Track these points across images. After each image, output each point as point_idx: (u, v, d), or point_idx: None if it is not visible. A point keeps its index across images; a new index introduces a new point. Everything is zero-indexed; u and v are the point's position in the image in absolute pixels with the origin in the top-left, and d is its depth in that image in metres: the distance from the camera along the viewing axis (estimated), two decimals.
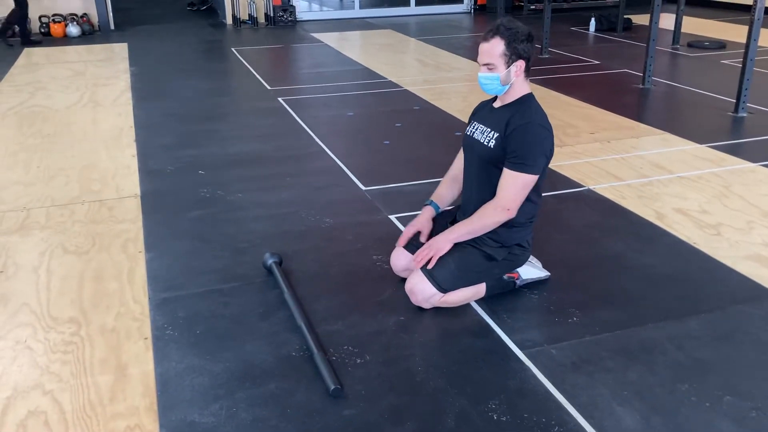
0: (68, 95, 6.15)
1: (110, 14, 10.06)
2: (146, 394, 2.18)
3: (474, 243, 2.60)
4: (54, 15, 9.49)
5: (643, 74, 6.19)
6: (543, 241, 3.13)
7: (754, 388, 2.16)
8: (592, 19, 9.47)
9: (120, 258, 3.09)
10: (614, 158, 4.28)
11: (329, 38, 9.31)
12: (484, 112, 2.70)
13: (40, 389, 2.20)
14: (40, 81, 6.74)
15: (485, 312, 2.62)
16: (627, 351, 2.36)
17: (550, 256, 2.95)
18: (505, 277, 2.70)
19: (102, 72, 7.19)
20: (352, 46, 8.90)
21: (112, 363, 2.33)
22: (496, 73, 2.49)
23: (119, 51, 8.41)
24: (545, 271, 2.82)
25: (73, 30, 9.43)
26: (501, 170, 2.53)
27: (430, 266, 2.54)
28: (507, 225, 2.60)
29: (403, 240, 2.81)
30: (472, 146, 2.67)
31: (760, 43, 5.19)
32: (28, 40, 8.83)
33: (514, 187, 2.49)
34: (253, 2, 10.51)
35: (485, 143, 2.58)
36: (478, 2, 11.82)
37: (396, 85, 6.41)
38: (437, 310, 2.61)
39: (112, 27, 10.06)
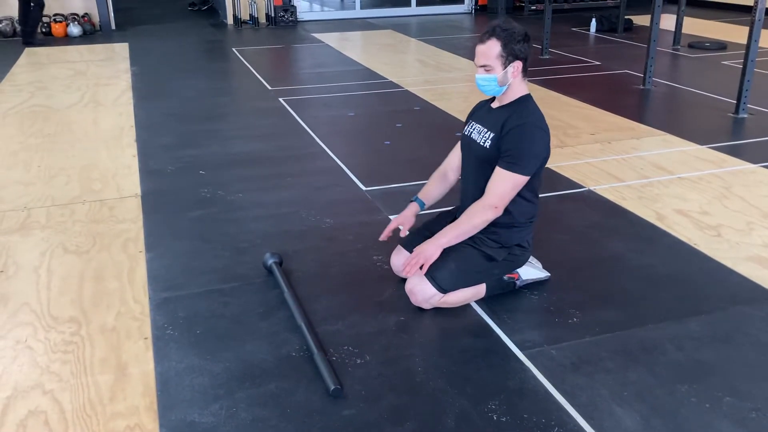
0: (69, 95, 6.15)
1: (111, 14, 10.06)
2: (146, 393, 2.18)
3: (474, 243, 2.60)
4: (55, 15, 9.50)
5: (643, 75, 6.19)
6: (543, 241, 3.13)
7: (754, 389, 2.16)
8: (593, 20, 9.47)
9: (120, 258, 3.09)
10: (615, 159, 4.28)
11: (330, 38, 9.31)
12: (482, 112, 2.70)
13: (40, 389, 2.20)
14: (42, 80, 6.75)
15: (485, 312, 2.62)
16: (627, 352, 2.36)
17: (551, 256, 2.95)
18: (506, 277, 2.70)
19: (103, 72, 7.19)
20: (352, 46, 8.90)
21: (112, 362, 2.33)
22: (494, 75, 2.49)
23: (120, 51, 8.42)
24: (545, 271, 2.82)
25: (75, 30, 9.44)
26: None
27: (422, 273, 2.53)
28: (507, 226, 2.60)
29: (385, 234, 2.81)
30: (469, 146, 2.68)
31: (760, 44, 5.20)
32: (29, 40, 8.84)
33: (503, 186, 2.49)
34: (254, 2, 10.52)
35: (481, 143, 2.58)
36: (479, 3, 11.82)
37: (397, 86, 6.41)
38: (437, 311, 2.61)
39: (113, 27, 10.07)
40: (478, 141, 2.61)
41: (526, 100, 2.57)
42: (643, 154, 4.36)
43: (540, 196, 3.67)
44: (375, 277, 2.89)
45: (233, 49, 8.56)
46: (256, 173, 4.17)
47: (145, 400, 2.15)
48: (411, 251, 2.72)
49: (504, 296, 2.70)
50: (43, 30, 9.47)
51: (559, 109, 5.45)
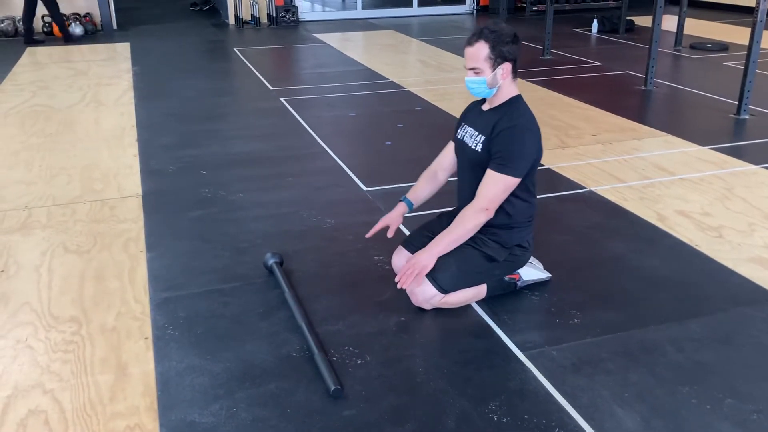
0: (71, 94, 6.16)
1: (113, 14, 10.07)
2: (146, 393, 2.18)
3: (475, 244, 2.60)
4: None
5: (645, 76, 6.18)
6: (544, 242, 3.13)
7: (755, 391, 2.16)
8: (595, 21, 9.47)
9: (121, 257, 3.09)
10: (616, 160, 4.27)
11: (331, 39, 9.31)
12: (473, 114, 2.70)
13: (41, 388, 2.20)
14: (43, 80, 6.75)
15: (486, 313, 2.62)
16: (628, 353, 2.36)
17: (552, 257, 2.95)
18: (507, 278, 2.70)
19: (104, 71, 7.19)
20: (354, 46, 8.90)
21: (112, 362, 2.33)
22: (483, 77, 2.48)
23: (122, 50, 8.42)
24: (546, 272, 2.82)
25: (76, 29, 9.44)
26: None
27: (417, 285, 2.51)
28: (506, 226, 2.60)
29: (371, 232, 2.81)
30: (462, 149, 2.68)
31: (762, 45, 5.19)
32: (31, 39, 8.85)
33: (494, 188, 2.48)
34: (256, 2, 10.52)
35: (473, 147, 2.58)
36: (481, 3, 11.82)
37: (398, 86, 6.41)
38: (438, 311, 2.61)
39: (115, 27, 10.07)
40: (470, 145, 2.61)
41: (516, 102, 2.55)
42: (644, 155, 4.36)
43: (541, 196, 3.71)
44: (375, 278, 2.89)
45: (235, 49, 8.56)
46: (256, 173, 4.17)
47: (146, 400, 2.15)
48: (412, 251, 2.72)
49: (505, 297, 2.70)
50: (45, 30, 9.48)
51: (560, 110, 5.44)
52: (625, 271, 2.93)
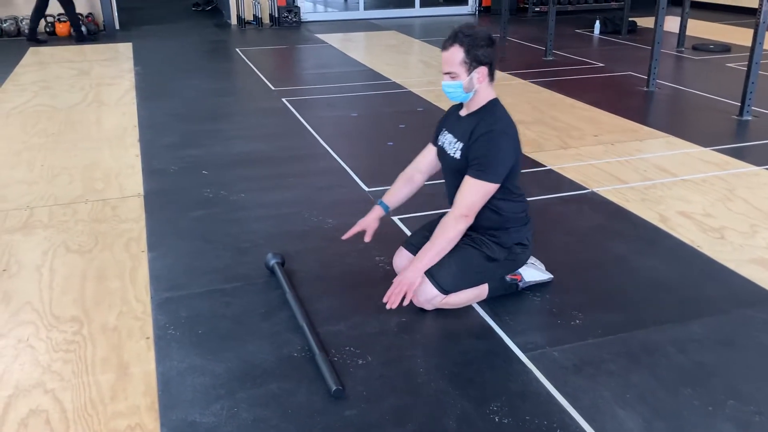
0: (73, 94, 6.16)
1: (115, 14, 10.07)
2: (147, 393, 2.18)
3: (475, 244, 2.59)
4: (59, 14, 9.50)
5: (647, 77, 6.18)
6: (546, 243, 3.13)
7: (757, 392, 2.15)
8: (597, 22, 9.46)
9: (122, 257, 3.09)
10: (618, 161, 4.27)
11: (333, 39, 9.31)
12: (452, 120, 2.68)
13: (42, 388, 2.20)
14: (45, 80, 6.76)
15: (487, 314, 2.61)
16: (629, 354, 2.35)
17: (553, 258, 2.95)
18: (508, 278, 2.70)
19: (106, 71, 7.20)
20: (356, 47, 8.90)
21: (113, 362, 2.33)
22: (459, 81, 2.47)
23: (124, 51, 8.43)
24: (548, 273, 2.82)
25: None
26: None
27: (405, 302, 2.45)
28: (502, 227, 2.59)
29: (347, 235, 2.80)
30: (443, 157, 2.67)
31: (765, 47, 5.17)
32: (34, 37, 8.87)
33: (472, 195, 2.46)
34: (258, 3, 10.53)
35: (452, 154, 2.58)
36: (483, 4, 11.81)
37: (400, 87, 6.40)
38: (439, 312, 2.60)
39: (117, 27, 10.08)
40: (449, 153, 2.60)
41: (493, 106, 2.54)
42: (646, 156, 4.35)
43: (543, 197, 3.72)
44: (377, 278, 2.88)
45: (237, 50, 8.56)
46: (258, 173, 4.17)
47: (147, 399, 2.15)
48: (413, 252, 2.72)
49: (506, 298, 2.70)
50: (47, 30, 9.49)
51: (562, 111, 5.44)
52: (626, 272, 2.93)
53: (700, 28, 9.33)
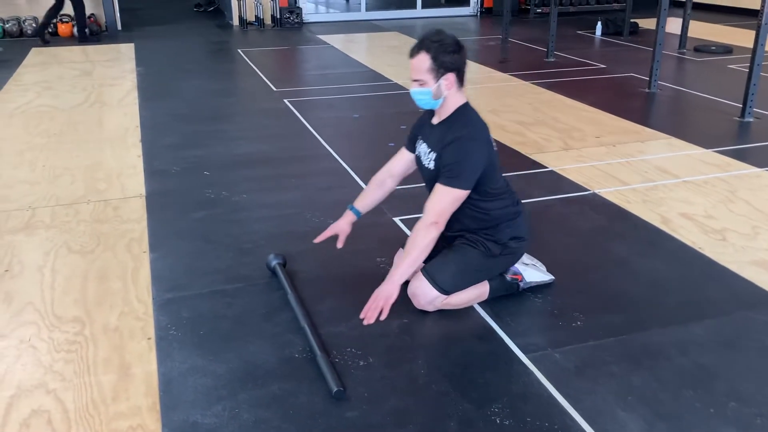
0: (75, 95, 6.17)
1: (117, 15, 10.09)
2: (149, 394, 2.18)
3: (471, 243, 2.60)
4: (62, 15, 9.52)
5: (649, 78, 6.17)
6: (547, 244, 3.13)
7: (759, 395, 2.15)
8: (599, 23, 9.45)
9: (124, 258, 3.09)
10: (620, 162, 4.27)
11: (335, 40, 9.32)
12: (426, 129, 2.66)
13: (44, 388, 2.21)
14: (48, 80, 6.76)
15: (489, 315, 2.61)
16: (631, 356, 2.35)
17: (555, 259, 2.95)
18: (509, 278, 2.70)
19: (108, 72, 7.21)
20: (358, 48, 8.91)
21: (115, 362, 2.34)
22: (427, 88, 2.46)
23: (126, 51, 8.44)
24: (549, 274, 2.81)
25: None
26: None
27: (383, 317, 2.35)
28: (493, 225, 2.59)
29: (319, 238, 2.80)
30: (420, 167, 2.67)
31: (767, 48, 5.17)
32: (43, 35, 8.92)
33: (441, 202, 2.45)
34: (260, 4, 10.53)
35: (427, 165, 2.58)
36: (484, 5, 11.81)
37: (401, 88, 6.40)
38: (440, 313, 2.60)
39: (119, 27, 10.09)
40: (424, 163, 2.61)
41: (462, 111, 2.52)
42: (648, 158, 4.35)
43: (544, 198, 3.72)
44: (378, 279, 2.85)
45: (239, 50, 8.57)
46: (260, 174, 4.17)
47: (148, 400, 2.15)
48: None
49: (507, 299, 2.70)
50: (50, 30, 9.50)
51: (564, 112, 5.44)
52: (627, 274, 2.93)
53: (701, 30, 9.32)
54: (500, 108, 5.55)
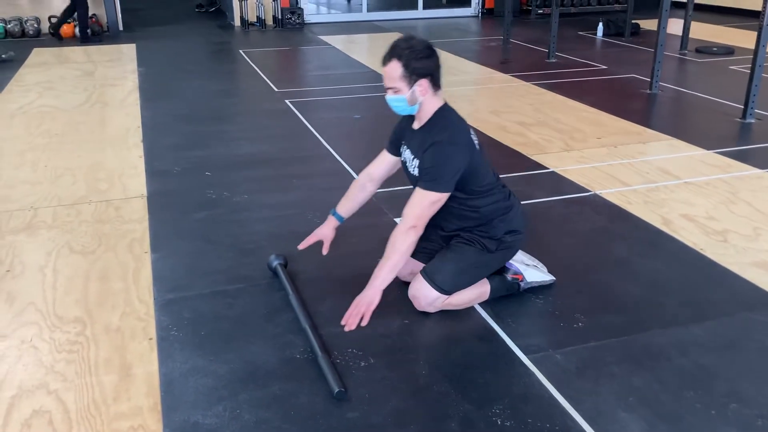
0: (76, 95, 6.18)
1: (119, 15, 10.10)
2: (150, 394, 2.18)
3: (467, 241, 2.60)
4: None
5: (650, 79, 6.17)
6: (548, 245, 3.13)
7: (760, 396, 2.15)
8: (600, 24, 9.45)
9: (126, 258, 3.09)
10: (621, 163, 4.27)
11: (337, 41, 9.32)
12: (408, 134, 2.65)
13: (45, 388, 2.21)
14: (49, 81, 6.77)
15: (490, 316, 2.61)
16: (632, 357, 2.35)
17: (556, 260, 2.95)
18: (510, 278, 2.70)
19: (110, 72, 7.22)
20: (359, 48, 8.91)
21: (116, 363, 2.34)
22: (402, 96, 2.45)
23: (127, 52, 8.44)
24: (550, 275, 2.82)
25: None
26: None
27: (364, 323, 2.35)
28: (486, 221, 2.59)
29: (303, 244, 2.81)
30: (407, 172, 2.66)
31: None
32: (57, 34, 9.04)
33: (419, 205, 2.45)
34: (261, 4, 10.54)
35: (412, 171, 2.58)
36: (486, 6, 11.81)
37: None
38: (441, 314, 2.61)
39: (121, 28, 10.10)
40: (410, 169, 2.61)
41: (440, 115, 2.52)
42: (649, 159, 4.35)
43: (546, 199, 3.72)
44: None
45: (240, 51, 8.58)
46: (261, 175, 4.18)
47: (149, 400, 2.15)
48: (411, 255, 2.73)
49: (508, 300, 2.70)
50: (51, 31, 9.51)
51: (565, 113, 5.44)
52: (629, 275, 2.93)
53: (703, 31, 9.32)
54: (501, 109, 5.55)
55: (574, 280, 2.87)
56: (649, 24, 9.54)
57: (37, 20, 9.54)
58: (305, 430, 2.02)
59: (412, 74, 2.41)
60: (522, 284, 2.72)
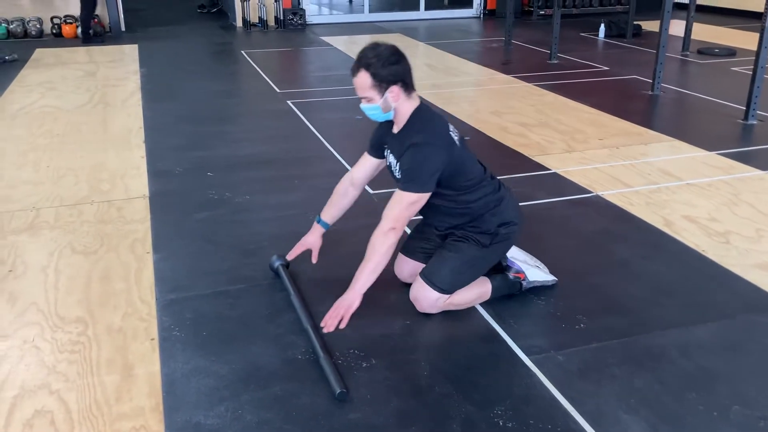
0: (78, 96, 6.18)
1: (121, 16, 10.10)
2: (152, 394, 2.18)
3: (461, 238, 2.60)
4: (65, 16, 9.55)
5: (652, 81, 6.17)
6: (550, 246, 3.13)
7: (762, 398, 2.15)
8: (602, 25, 9.45)
9: (128, 258, 3.10)
10: (623, 164, 4.27)
11: (338, 42, 9.33)
12: (389, 137, 2.65)
13: (47, 389, 2.21)
14: (51, 81, 6.78)
15: (492, 317, 2.61)
16: (634, 358, 2.35)
17: (557, 261, 2.95)
18: (511, 276, 2.70)
19: (112, 73, 7.22)
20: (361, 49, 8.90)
21: (118, 363, 2.34)
22: (375, 104, 2.46)
23: (130, 52, 8.45)
24: (552, 276, 2.81)
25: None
26: None
27: (342, 326, 2.37)
28: (478, 218, 2.58)
29: (291, 254, 2.83)
30: (393, 177, 2.66)
31: None
32: (88, 38, 9.05)
33: (398, 206, 2.45)
34: (263, 5, 10.55)
35: (396, 174, 2.59)
36: (488, 7, 11.81)
37: None
38: (443, 315, 2.61)
39: (123, 28, 10.11)
40: (394, 173, 2.61)
41: (417, 116, 2.51)
42: (651, 160, 4.35)
43: (547, 200, 3.72)
44: (381, 281, 2.86)
45: (242, 52, 8.58)
46: (263, 175, 4.18)
47: (151, 401, 2.15)
48: (410, 256, 2.77)
49: (510, 301, 2.70)
50: (54, 32, 9.53)
51: (567, 114, 5.44)
52: (631, 277, 2.92)
53: (705, 32, 9.31)
54: (503, 110, 5.55)
55: (576, 281, 2.87)
56: (650, 25, 9.53)
57: (40, 21, 9.55)
58: (307, 431, 2.02)
59: (382, 82, 2.42)
60: (524, 283, 2.72)
